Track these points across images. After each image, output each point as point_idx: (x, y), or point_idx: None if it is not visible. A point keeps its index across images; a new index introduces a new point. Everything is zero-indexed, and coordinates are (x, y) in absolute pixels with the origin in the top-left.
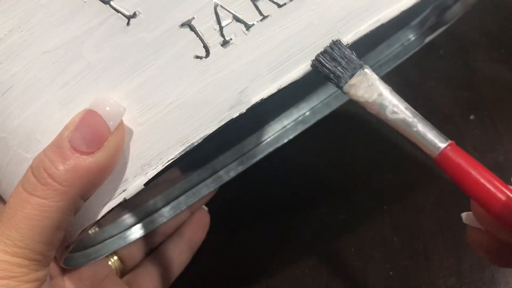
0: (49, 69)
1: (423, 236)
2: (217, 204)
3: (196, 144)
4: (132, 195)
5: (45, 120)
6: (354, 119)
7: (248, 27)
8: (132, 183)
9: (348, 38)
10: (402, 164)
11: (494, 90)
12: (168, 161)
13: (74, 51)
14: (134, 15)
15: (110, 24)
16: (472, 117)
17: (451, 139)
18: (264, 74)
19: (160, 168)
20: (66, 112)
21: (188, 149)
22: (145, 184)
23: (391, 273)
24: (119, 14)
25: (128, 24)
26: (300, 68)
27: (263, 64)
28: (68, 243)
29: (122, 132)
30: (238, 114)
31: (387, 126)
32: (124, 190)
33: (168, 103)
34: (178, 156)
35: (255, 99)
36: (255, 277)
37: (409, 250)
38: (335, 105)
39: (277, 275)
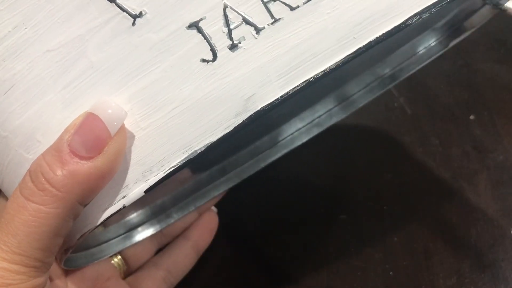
0: (52, 68)
1: (423, 236)
2: (219, 206)
3: (199, 151)
4: (132, 201)
5: (46, 121)
6: (354, 120)
7: (258, 30)
8: (133, 189)
9: (364, 44)
10: (402, 164)
11: (494, 90)
12: (170, 168)
13: (78, 50)
14: (140, 15)
15: (116, 23)
16: (472, 117)
17: (451, 139)
18: (273, 81)
19: (161, 175)
20: (68, 113)
21: (191, 156)
22: (146, 191)
23: (391, 273)
24: (125, 13)
25: (133, 24)
26: (311, 75)
27: (272, 70)
28: (67, 247)
29: (123, 137)
30: (242, 121)
31: (387, 126)
32: (124, 197)
33: (172, 108)
34: (181, 163)
35: (263, 106)
36: (255, 277)
37: (409, 250)
38: (351, 109)
39: (278, 275)
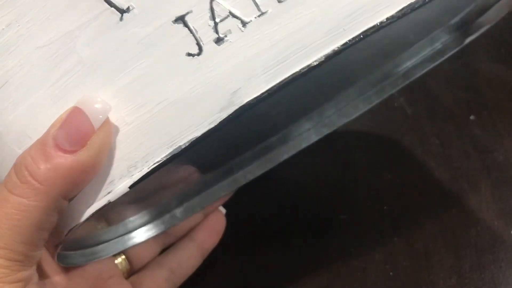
0: (43, 65)
1: (423, 236)
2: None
3: (183, 147)
4: (117, 197)
5: (36, 117)
6: (354, 120)
7: (244, 23)
8: (118, 185)
9: (354, 36)
10: (402, 164)
11: (494, 90)
12: (154, 163)
13: (67, 46)
14: (127, 10)
15: (104, 18)
16: (472, 117)
17: (451, 139)
18: (260, 74)
19: (145, 170)
20: (57, 109)
21: (175, 152)
22: (131, 187)
23: (391, 273)
24: (113, 8)
25: (121, 19)
26: (298, 68)
27: (259, 63)
28: (57, 243)
29: (108, 131)
30: (227, 116)
31: (387, 126)
32: (109, 192)
33: (157, 103)
34: (165, 159)
35: (249, 100)
36: (256, 277)
37: (409, 250)
38: (362, 108)
39: (278, 275)
